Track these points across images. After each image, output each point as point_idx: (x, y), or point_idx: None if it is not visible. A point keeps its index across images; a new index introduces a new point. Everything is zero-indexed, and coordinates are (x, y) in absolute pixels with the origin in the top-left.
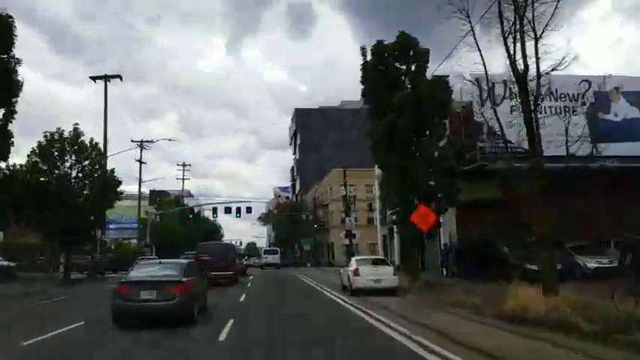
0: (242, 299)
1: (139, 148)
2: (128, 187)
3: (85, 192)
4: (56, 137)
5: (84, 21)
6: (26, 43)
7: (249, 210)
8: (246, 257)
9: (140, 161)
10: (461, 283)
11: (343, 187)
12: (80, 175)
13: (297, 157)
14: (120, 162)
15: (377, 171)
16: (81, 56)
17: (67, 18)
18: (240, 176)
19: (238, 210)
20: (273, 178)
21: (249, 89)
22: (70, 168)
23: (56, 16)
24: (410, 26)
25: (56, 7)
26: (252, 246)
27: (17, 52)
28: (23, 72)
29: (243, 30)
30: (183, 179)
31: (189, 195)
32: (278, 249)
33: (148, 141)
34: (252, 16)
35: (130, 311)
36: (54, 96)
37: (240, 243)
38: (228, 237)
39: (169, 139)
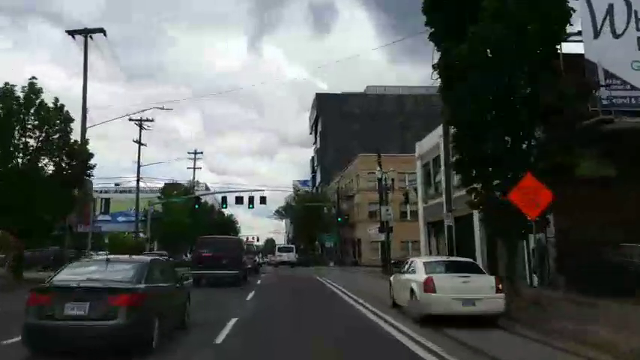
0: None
1: (139, 128)
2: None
3: (45, 166)
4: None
5: (108, 22)
6: (53, 43)
7: (263, 200)
8: (259, 254)
9: (139, 142)
10: (579, 302)
11: (372, 174)
12: (39, 145)
13: (318, 146)
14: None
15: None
16: (102, 54)
17: (93, 19)
18: (259, 173)
19: (251, 200)
20: (292, 175)
21: (269, 86)
22: (23, 135)
23: (81, 16)
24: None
25: (81, 8)
26: (270, 242)
27: (44, 52)
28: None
29: (263, 28)
30: (194, 168)
31: (207, 189)
32: (293, 246)
33: (147, 120)
34: (273, 14)
35: (47, 334)
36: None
37: (257, 239)
38: (245, 233)
39: (162, 107)
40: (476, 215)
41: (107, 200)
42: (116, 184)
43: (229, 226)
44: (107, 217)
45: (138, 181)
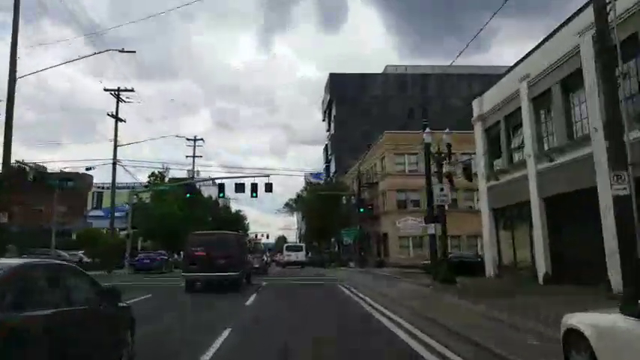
0: None
1: (116, 100)
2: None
3: None
4: None
5: (120, 18)
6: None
7: (268, 188)
8: (266, 253)
9: (116, 117)
10: None
11: (401, 155)
12: None
13: (332, 132)
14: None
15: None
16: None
17: (105, 17)
18: (271, 171)
19: (254, 188)
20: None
21: (280, 84)
22: None
23: (93, 14)
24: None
25: (93, 5)
26: (282, 240)
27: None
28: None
29: (274, 25)
30: (194, 156)
31: (213, 183)
32: (303, 245)
33: (125, 90)
34: (284, 11)
35: None
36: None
37: (267, 236)
38: (256, 230)
39: (121, 50)
40: None
41: (100, 194)
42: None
43: (237, 222)
44: (100, 213)
45: (114, 164)
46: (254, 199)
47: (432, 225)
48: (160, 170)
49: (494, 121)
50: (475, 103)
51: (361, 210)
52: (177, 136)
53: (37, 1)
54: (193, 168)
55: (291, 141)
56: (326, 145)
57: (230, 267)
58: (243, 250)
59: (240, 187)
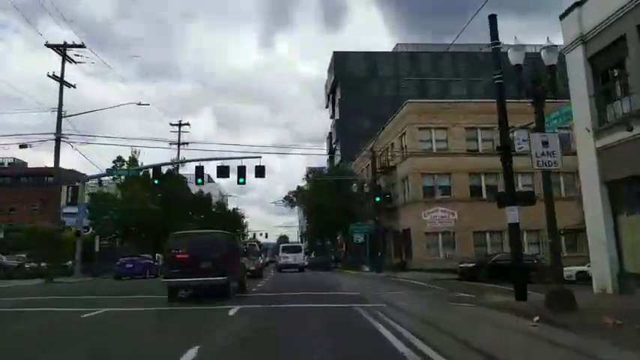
0: None
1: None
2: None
3: None
4: None
5: (120, 19)
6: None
7: (260, 172)
8: (261, 255)
9: (61, 80)
10: None
11: (427, 130)
12: None
13: (337, 117)
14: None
15: None
16: (117, 54)
17: (105, 17)
18: (274, 171)
19: (241, 171)
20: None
21: (283, 84)
22: None
23: (93, 14)
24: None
25: (93, 6)
26: (283, 240)
27: None
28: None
29: (276, 24)
30: (179, 144)
31: (210, 181)
32: (301, 245)
33: (71, 46)
34: (285, 10)
35: None
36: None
37: (266, 235)
38: (255, 231)
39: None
40: None
41: (75, 188)
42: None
43: (233, 221)
44: (74, 209)
45: (58, 141)
46: (254, 201)
47: (511, 209)
48: (130, 157)
49: (612, 39)
50: (570, 20)
51: (377, 199)
52: (139, 104)
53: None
54: (178, 156)
55: (294, 140)
56: (329, 133)
57: (218, 270)
58: (235, 251)
59: (223, 171)
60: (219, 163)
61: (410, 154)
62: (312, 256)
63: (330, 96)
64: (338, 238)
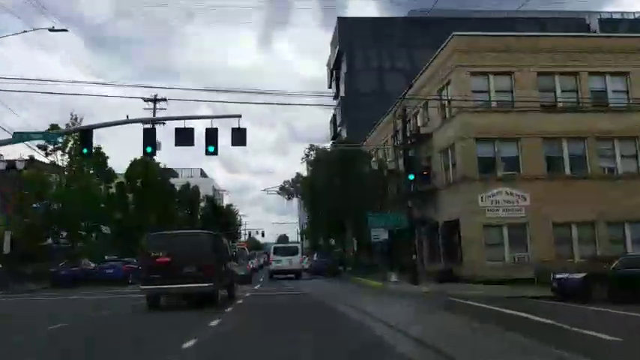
0: None
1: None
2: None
3: None
4: None
5: (119, 19)
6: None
7: (240, 138)
8: (251, 259)
9: None
10: None
11: (484, 76)
12: None
13: (343, 93)
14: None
15: None
16: (116, 53)
17: (104, 16)
18: (275, 171)
19: (211, 136)
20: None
21: (282, 82)
22: None
23: (92, 14)
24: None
25: (92, 6)
26: (282, 240)
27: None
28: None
29: (274, 22)
30: (153, 121)
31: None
32: (298, 245)
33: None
34: (283, 8)
35: None
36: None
37: (263, 234)
38: (249, 227)
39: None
40: None
41: None
42: None
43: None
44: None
45: None
46: (254, 196)
47: None
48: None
49: None
50: None
51: (410, 176)
52: (51, 30)
53: None
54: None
55: (295, 140)
56: (333, 115)
57: (201, 276)
58: (222, 254)
59: (184, 136)
60: (180, 124)
61: (459, 109)
62: (315, 258)
63: (334, 72)
64: (347, 233)
